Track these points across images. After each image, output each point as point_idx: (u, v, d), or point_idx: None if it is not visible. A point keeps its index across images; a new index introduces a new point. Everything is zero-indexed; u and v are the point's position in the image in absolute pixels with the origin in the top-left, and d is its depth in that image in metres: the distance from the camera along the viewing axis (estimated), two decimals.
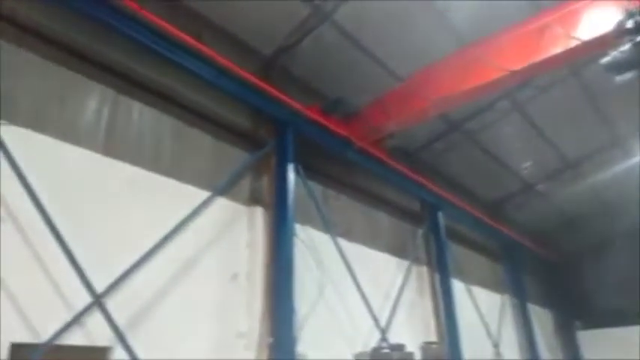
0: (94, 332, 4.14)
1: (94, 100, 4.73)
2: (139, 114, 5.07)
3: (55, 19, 4.48)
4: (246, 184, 5.98)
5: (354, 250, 7.20)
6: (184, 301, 4.84)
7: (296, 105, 6.27)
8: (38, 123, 4.25)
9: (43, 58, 4.41)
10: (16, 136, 4.00)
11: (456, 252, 9.77)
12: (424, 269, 8.86)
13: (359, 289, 6.89)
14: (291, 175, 6.13)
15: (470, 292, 9.74)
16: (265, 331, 5.42)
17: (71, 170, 4.39)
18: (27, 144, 4.09)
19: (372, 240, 7.80)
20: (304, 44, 6.32)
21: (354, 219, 7.62)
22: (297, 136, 6.37)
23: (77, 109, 4.59)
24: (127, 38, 4.84)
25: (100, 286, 4.19)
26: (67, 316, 3.99)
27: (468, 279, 9.86)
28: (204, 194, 5.31)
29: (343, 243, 6.94)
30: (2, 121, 3.95)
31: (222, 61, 5.42)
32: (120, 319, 4.27)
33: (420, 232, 8.92)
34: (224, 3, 5.62)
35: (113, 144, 4.75)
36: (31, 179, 3.96)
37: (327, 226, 6.70)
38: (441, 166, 9.64)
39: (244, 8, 5.72)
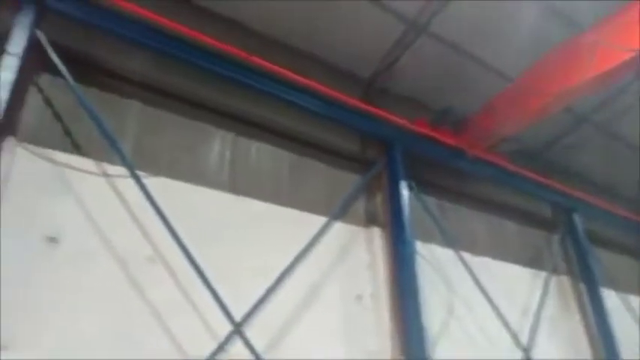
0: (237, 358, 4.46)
1: (217, 145, 5.26)
2: (257, 152, 5.51)
3: (181, 77, 5.08)
4: (360, 205, 6.07)
5: (481, 263, 6.82)
6: (314, 325, 5.00)
7: (401, 122, 6.25)
8: (173, 171, 4.83)
9: (176, 114, 5.04)
10: (157, 185, 4.55)
11: (602, 257, 8.69)
12: (565, 279, 8.01)
13: (492, 306, 6.48)
14: (404, 192, 6.07)
15: (626, 301, 8.55)
16: (396, 350, 5.36)
17: (203, 210, 4.86)
18: (166, 191, 4.63)
19: (499, 251, 7.31)
20: (403, 61, 6.32)
21: (477, 230, 7.25)
22: (406, 152, 6.31)
23: (204, 154, 5.13)
24: (242, 86, 5.31)
25: (238, 315, 4.52)
26: (214, 345, 4.35)
27: (621, 287, 8.68)
28: (322, 220, 5.52)
29: (468, 257, 6.63)
30: (144, 174, 4.54)
31: (327, 91, 5.65)
32: (258, 345, 4.54)
33: (556, 238, 8.14)
34: (322, 37, 5.89)
35: (237, 182, 5.19)
36: (172, 222, 4.47)
37: (449, 240, 6.48)
38: (570, 164, 8.75)
39: (340, 38, 5.93)
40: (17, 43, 3.96)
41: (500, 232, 7.58)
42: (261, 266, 4.94)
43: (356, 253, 5.77)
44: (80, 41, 4.54)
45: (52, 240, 3.99)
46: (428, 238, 6.34)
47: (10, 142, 3.98)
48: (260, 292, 4.75)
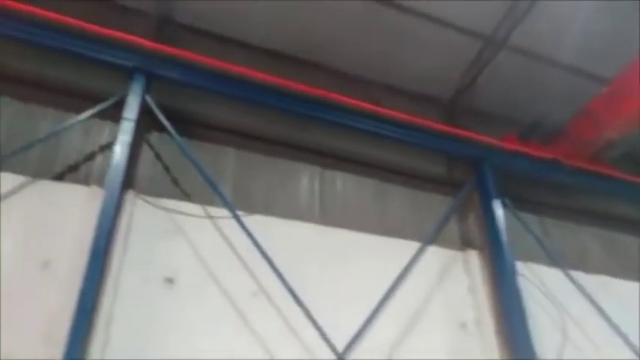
0: None
1: (306, 180, 5.53)
2: (343, 182, 5.70)
3: (267, 121, 5.48)
4: (453, 228, 5.94)
5: (595, 281, 6.26)
6: (418, 353, 4.91)
7: (488, 140, 6.09)
8: (269, 208, 5.16)
9: (266, 155, 5.42)
10: (256, 223, 4.85)
11: None
12: None
13: (611, 325, 5.89)
14: (499, 212, 5.83)
15: None
16: None
17: (298, 242, 5.09)
18: (264, 227, 4.91)
19: (615, 267, 6.66)
20: (483, 77, 6.23)
21: (587, 246, 6.70)
22: (497, 170, 6.12)
23: (294, 190, 5.42)
24: (324, 122, 5.60)
25: (339, 344, 4.58)
26: None
27: None
28: (413, 245, 5.48)
29: (579, 275, 6.13)
30: (244, 213, 4.89)
31: (408, 118, 5.73)
32: None
33: None
34: (397, 68, 6.04)
35: (326, 213, 5.40)
36: (272, 256, 4.72)
37: (554, 258, 6.06)
38: None
39: (415, 66, 6.03)
40: (131, 108, 4.58)
41: (614, 246, 6.92)
42: (357, 294, 4.99)
43: (454, 277, 5.62)
44: (181, 100, 5.13)
45: (170, 280, 4.43)
46: (530, 258, 5.99)
47: (130, 194, 4.56)
48: (359, 320, 4.79)
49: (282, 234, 5.04)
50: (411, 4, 5.53)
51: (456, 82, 6.37)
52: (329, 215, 5.39)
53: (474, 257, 5.78)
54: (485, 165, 6.10)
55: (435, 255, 5.61)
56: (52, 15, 4.44)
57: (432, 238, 5.59)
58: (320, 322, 4.58)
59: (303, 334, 4.57)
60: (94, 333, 3.88)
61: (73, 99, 4.67)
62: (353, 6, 5.33)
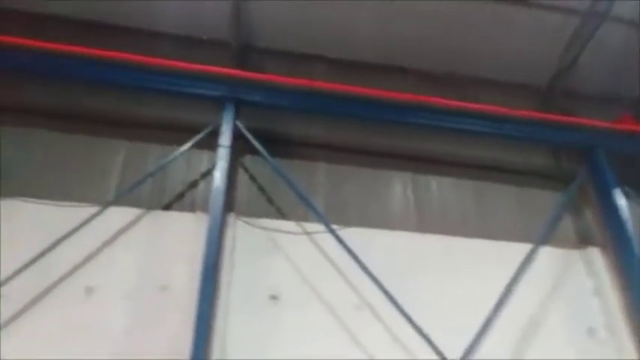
0: None
1: (398, 187, 5.40)
2: (438, 186, 5.47)
3: (354, 131, 5.44)
4: (567, 225, 5.42)
5: None
6: None
7: (598, 124, 5.49)
8: (363, 220, 5.11)
9: (356, 166, 5.38)
10: (351, 235, 4.83)
11: None
12: None
13: None
14: (620, 202, 5.19)
15: None
16: None
17: (396, 252, 4.96)
18: (360, 238, 4.87)
19: None
20: (585, 56, 5.64)
21: None
22: (612, 155, 5.49)
23: (388, 199, 5.32)
24: (412, 126, 5.44)
25: (449, 354, 4.35)
26: None
27: None
28: (523, 247, 5.08)
29: None
30: (338, 226, 4.89)
31: (504, 110, 5.36)
32: None
33: None
34: (484, 58, 5.69)
35: (423, 220, 5.22)
36: (370, 267, 4.64)
37: None
38: None
39: (504, 54, 5.64)
40: (225, 136, 4.84)
41: None
42: (464, 302, 4.75)
43: (575, 279, 5.11)
44: (270, 121, 5.29)
45: (274, 297, 4.57)
46: None
47: (231, 217, 4.79)
48: (468, 332, 4.55)
49: (379, 245, 4.96)
50: None
51: (552, 66, 5.84)
52: (426, 222, 5.21)
53: (596, 255, 5.22)
54: (597, 152, 5.49)
55: (549, 256, 5.14)
56: (146, 58, 4.85)
57: (544, 237, 5.13)
58: (429, 331, 4.38)
59: (411, 346, 4.43)
60: (212, 348, 4.11)
61: (172, 133, 5.02)
62: (437, 5, 5.13)
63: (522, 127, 5.44)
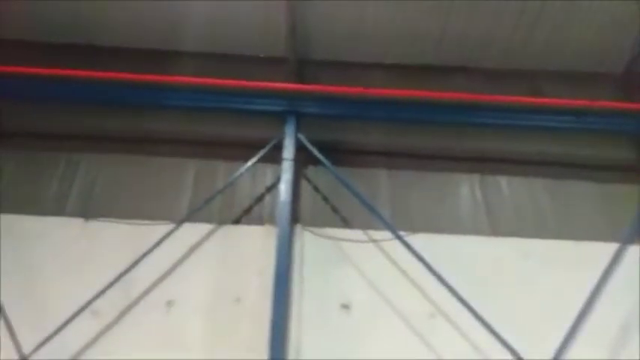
0: None
1: (466, 190, 5.24)
2: (509, 186, 5.25)
3: (414, 135, 5.34)
4: None
5: None
6: None
7: None
8: (431, 225, 4.98)
9: (419, 170, 5.29)
10: (420, 240, 4.72)
11: None
12: None
13: None
14: None
15: None
16: None
17: (468, 258, 4.79)
18: (429, 244, 4.72)
19: None
20: None
21: None
22: None
23: (455, 202, 5.17)
24: (477, 126, 5.27)
25: None
26: None
27: None
28: (608, 247, 4.71)
29: None
30: (405, 233, 4.80)
31: (578, 103, 5.06)
32: None
33: None
34: (552, 50, 5.40)
35: (495, 222, 5.02)
36: (443, 274, 4.48)
37: None
38: None
39: (574, 44, 5.31)
40: (289, 149, 4.93)
41: None
42: (547, 309, 4.50)
43: None
44: (331, 132, 5.32)
45: (345, 307, 4.56)
46: None
47: (298, 228, 4.86)
48: (550, 335, 4.25)
49: (448, 250, 4.80)
50: None
51: (626, 53, 5.44)
52: (498, 224, 5.00)
53: None
54: None
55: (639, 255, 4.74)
56: (210, 80, 5.04)
57: (631, 236, 4.75)
58: (512, 341, 4.15)
59: (490, 354, 4.25)
60: (287, 358, 4.18)
61: (237, 149, 5.19)
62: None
63: (603, 118, 5.12)
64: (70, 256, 4.67)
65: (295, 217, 4.88)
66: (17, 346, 4.05)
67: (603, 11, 5.09)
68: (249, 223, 4.96)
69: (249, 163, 4.98)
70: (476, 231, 4.99)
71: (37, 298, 4.43)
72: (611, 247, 4.66)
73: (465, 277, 4.53)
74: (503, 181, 5.26)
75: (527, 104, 5.11)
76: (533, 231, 4.96)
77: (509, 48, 5.38)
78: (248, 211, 5.02)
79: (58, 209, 4.94)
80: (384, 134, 5.36)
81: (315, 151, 4.97)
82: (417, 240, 4.72)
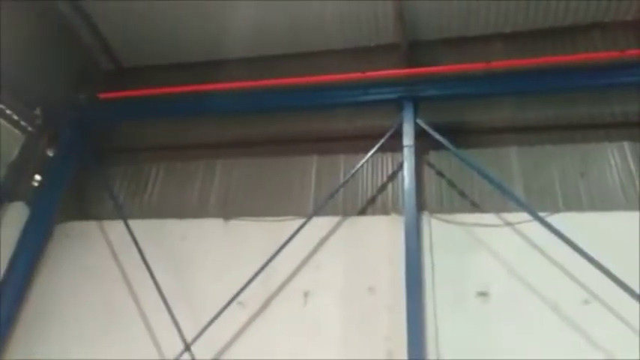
0: None
1: (612, 159, 4.64)
2: None
3: (550, 109, 4.92)
4: None
5: None
6: None
7: None
8: (574, 202, 4.55)
9: (555, 144, 4.84)
10: (561, 220, 4.32)
11: None
12: None
13: None
14: None
15: None
16: None
17: (618, 236, 4.27)
18: (572, 224, 4.29)
19: None
20: None
21: None
22: None
23: (601, 175, 4.62)
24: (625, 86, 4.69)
25: None
26: None
27: None
28: None
29: None
30: (545, 213, 4.41)
31: None
32: None
33: None
34: None
35: None
36: (593, 254, 4.06)
37: None
38: None
39: None
40: (408, 135, 4.84)
41: None
42: None
43: None
44: (449, 113, 5.11)
45: (483, 294, 4.35)
46: None
47: (425, 215, 4.74)
48: None
49: (596, 229, 4.33)
50: None
51: None
52: None
53: None
54: None
55: None
56: (325, 77, 5.16)
57: None
58: None
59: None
60: (426, 347, 4.12)
61: (355, 141, 5.25)
62: None
63: None
64: (214, 253, 5.10)
65: (421, 205, 4.77)
66: (182, 336, 4.54)
67: None
68: (374, 213, 4.98)
69: (369, 154, 4.98)
70: (627, 206, 4.43)
71: (189, 294, 4.90)
72: None
73: (616, 257, 4.06)
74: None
75: None
76: None
77: None
78: (372, 201, 5.03)
79: (202, 211, 5.41)
80: (510, 109, 5.01)
81: (437, 135, 4.80)
82: (559, 220, 4.34)
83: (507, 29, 5.20)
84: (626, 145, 4.65)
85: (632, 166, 4.56)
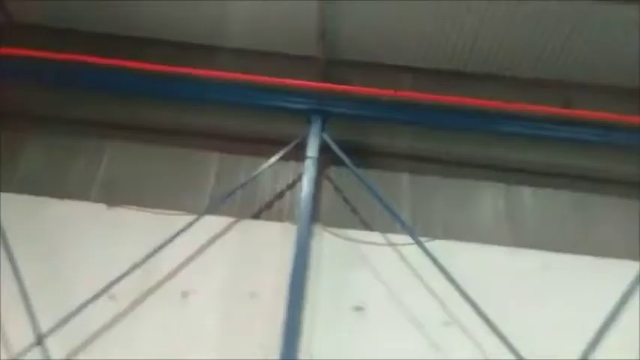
0: None
1: (489, 198, 5.17)
2: (533, 198, 5.17)
3: (444, 142, 5.27)
4: None
5: None
6: None
7: None
8: (450, 232, 4.95)
9: (442, 176, 5.24)
10: (439, 247, 4.67)
11: None
12: None
13: None
14: None
15: None
16: None
17: (487, 268, 4.72)
18: (448, 251, 4.66)
19: None
20: None
21: None
22: None
23: (477, 211, 5.11)
24: (505, 135, 5.16)
25: None
26: None
27: None
28: (631, 265, 4.61)
29: None
30: (425, 238, 4.75)
31: (610, 116, 4.92)
32: None
33: None
34: (584, 60, 5.27)
35: (517, 233, 4.96)
36: (460, 282, 4.41)
37: None
38: None
39: (610, 56, 5.17)
40: (312, 147, 4.93)
41: None
42: (562, 325, 4.43)
43: None
44: (355, 133, 5.29)
45: (359, 309, 4.55)
46: None
47: (317, 227, 4.85)
48: (568, 352, 4.23)
49: (468, 258, 4.75)
50: None
51: None
52: (520, 235, 4.94)
53: None
54: None
55: None
56: (238, 75, 5.07)
57: None
58: (526, 354, 4.14)
59: None
60: (299, 357, 4.14)
61: (260, 145, 5.19)
62: (535, 6, 4.82)
63: (632, 134, 4.96)
64: (92, 241, 4.74)
65: (315, 216, 4.87)
66: (35, 324, 4.12)
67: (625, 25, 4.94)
68: (269, 218, 4.98)
69: (273, 159, 4.99)
70: (497, 241, 4.93)
71: (58, 281, 4.51)
72: (634, 265, 4.59)
73: (482, 287, 4.47)
74: (527, 192, 5.19)
75: (556, 115, 5.01)
76: (555, 244, 4.87)
77: (541, 57, 5.26)
78: (268, 206, 5.03)
79: (83, 194, 5.00)
80: (409, 138, 5.31)
81: (339, 151, 4.95)
82: (437, 246, 4.69)
83: (417, 64, 5.54)
84: (500, 186, 5.19)
85: (502, 206, 5.10)
